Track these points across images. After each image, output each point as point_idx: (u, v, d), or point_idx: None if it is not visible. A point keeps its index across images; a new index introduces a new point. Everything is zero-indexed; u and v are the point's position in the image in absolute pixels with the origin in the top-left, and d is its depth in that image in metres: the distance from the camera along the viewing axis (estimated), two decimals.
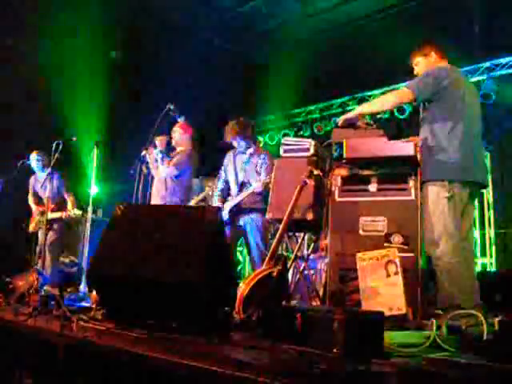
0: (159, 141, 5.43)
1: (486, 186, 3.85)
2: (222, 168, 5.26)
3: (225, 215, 4.94)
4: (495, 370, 1.82)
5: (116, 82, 8.24)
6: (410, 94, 3.56)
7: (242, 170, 5.05)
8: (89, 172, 5.85)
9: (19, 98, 7.40)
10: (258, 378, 1.72)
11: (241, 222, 4.96)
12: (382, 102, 3.87)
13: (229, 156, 5.25)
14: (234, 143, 5.12)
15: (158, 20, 8.25)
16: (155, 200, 5.43)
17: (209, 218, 3.07)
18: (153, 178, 5.48)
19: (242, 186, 5.00)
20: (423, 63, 3.82)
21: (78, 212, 6.03)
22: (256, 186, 4.77)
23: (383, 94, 8.40)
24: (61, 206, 6.32)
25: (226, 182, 5.21)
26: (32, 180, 6.64)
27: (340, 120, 3.81)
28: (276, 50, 9.44)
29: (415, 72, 3.92)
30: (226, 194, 5.20)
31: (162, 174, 5.41)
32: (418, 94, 3.55)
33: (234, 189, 5.07)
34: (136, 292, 2.90)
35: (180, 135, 5.51)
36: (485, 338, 2.44)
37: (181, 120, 5.26)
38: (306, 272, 4.27)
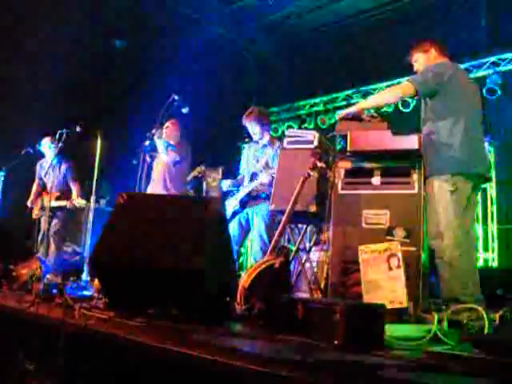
0: (166, 128, 5.54)
1: (489, 179, 3.86)
2: (240, 162, 5.32)
3: (235, 206, 4.97)
4: (495, 363, 1.83)
5: (119, 72, 8.23)
6: (412, 88, 3.57)
7: (255, 160, 5.07)
8: (92, 162, 5.85)
9: (21, 87, 7.40)
10: (258, 368, 1.72)
11: (248, 211, 4.97)
12: (385, 96, 3.90)
13: (244, 149, 5.31)
14: (249, 128, 5.12)
15: (161, 10, 8.21)
16: (157, 188, 5.48)
17: (210, 208, 3.08)
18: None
19: (252, 176, 5.01)
20: (423, 59, 3.83)
21: (83, 201, 6.03)
22: (263, 177, 4.79)
23: (388, 87, 8.40)
24: (65, 194, 6.31)
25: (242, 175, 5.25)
26: (37, 166, 6.65)
27: (341, 114, 3.81)
28: (281, 41, 9.40)
29: (415, 69, 3.93)
30: (237, 185, 5.22)
31: (164, 160, 5.49)
32: (419, 88, 3.57)
33: (246, 180, 5.09)
34: (138, 281, 2.91)
35: (173, 131, 5.60)
36: (485, 332, 2.45)
37: (185, 110, 5.27)
38: (307, 264, 4.27)
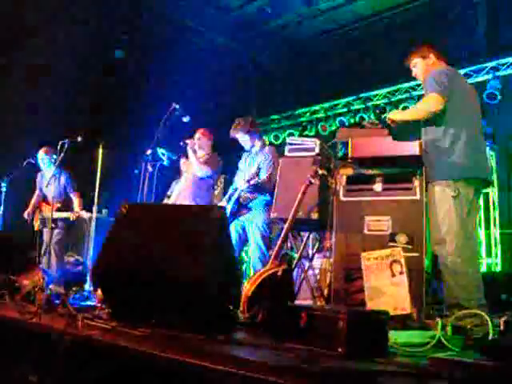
0: (198, 139, 5.46)
1: (490, 183, 3.84)
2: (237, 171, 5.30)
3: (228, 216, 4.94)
4: (500, 369, 1.81)
5: (120, 82, 8.26)
6: (441, 98, 3.45)
7: (248, 168, 5.07)
8: (94, 172, 5.86)
9: (23, 97, 7.43)
10: (261, 376, 1.71)
11: (243, 220, 4.95)
12: (422, 110, 3.62)
13: (241, 158, 5.30)
14: (239, 140, 5.14)
15: (161, 19, 8.26)
16: (182, 200, 5.38)
17: (212, 217, 3.07)
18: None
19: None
20: (421, 65, 3.82)
21: (88, 215, 6.02)
22: (241, 188, 4.81)
23: (389, 93, 8.44)
24: (67, 205, 6.30)
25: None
26: (38, 177, 6.64)
27: (389, 118, 3.65)
28: (281, 49, 9.44)
29: (413, 73, 3.92)
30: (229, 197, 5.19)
31: (196, 173, 5.40)
32: (444, 96, 3.47)
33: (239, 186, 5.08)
34: (140, 290, 2.90)
35: (206, 141, 5.53)
36: (490, 337, 2.43)
37: (185, 119, 5.26)
38: (310, 271, 4.26)
